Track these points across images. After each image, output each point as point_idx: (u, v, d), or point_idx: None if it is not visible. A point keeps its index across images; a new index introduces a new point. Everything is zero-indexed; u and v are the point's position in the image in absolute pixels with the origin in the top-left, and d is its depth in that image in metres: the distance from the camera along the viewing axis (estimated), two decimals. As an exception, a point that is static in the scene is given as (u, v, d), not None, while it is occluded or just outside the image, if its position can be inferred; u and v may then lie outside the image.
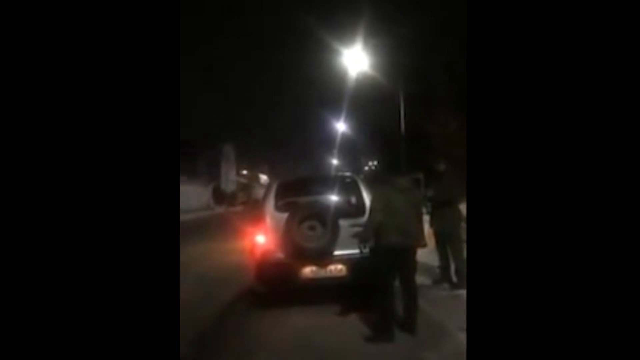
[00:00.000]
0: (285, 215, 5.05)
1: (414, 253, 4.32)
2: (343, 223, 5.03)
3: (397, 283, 4.35)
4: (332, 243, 4.96)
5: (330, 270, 5.01)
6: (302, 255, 4.96)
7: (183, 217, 15.62)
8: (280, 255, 5.04)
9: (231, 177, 39.47)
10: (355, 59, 15.70)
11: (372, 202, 4.50)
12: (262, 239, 5.13)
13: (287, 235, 4.95)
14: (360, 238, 4.44)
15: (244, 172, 42.62)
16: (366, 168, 35.45)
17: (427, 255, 5.86)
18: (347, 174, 6.74)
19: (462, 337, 3.82)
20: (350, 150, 37.96)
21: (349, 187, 5.66)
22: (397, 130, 17.04)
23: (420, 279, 5.96)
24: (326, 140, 41.20)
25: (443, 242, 5.88)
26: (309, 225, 5.00)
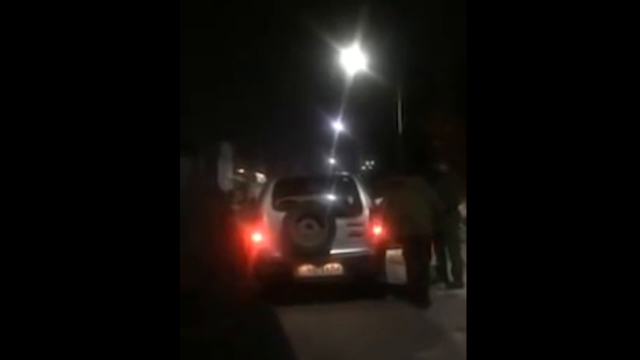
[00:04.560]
0: (282, 214, 5.05)
1: (428, 240, 5.21)
2: (340, 222, 5.03)
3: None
4: (329, 242, 4.96)
5: (327, 269, 5.01)
6: (299, 254, 4.96)
7: (180, 215, 15.36)
8: (277, 253, 5.03)
9: (228, 175, 39.37)
10: (353, 58, 15.70)
11: (390, 200, 5.33)
12: (259, 237, 5.12)
13: (284, 233, 4.95)
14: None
15: (241, 170, 42.51)
16: (363, 168, 35.42)
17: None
18: (345, 173, 6.76)
19: (458, 336, 3.82)
20: (348, 149, 37.92)
21: (346, 187, 5.67)
22: (394, 130, 17.04)
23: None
24: (324, 139, 41.06)
25: (441, 241, 5.88)
26: (306, 224, 5.00)
